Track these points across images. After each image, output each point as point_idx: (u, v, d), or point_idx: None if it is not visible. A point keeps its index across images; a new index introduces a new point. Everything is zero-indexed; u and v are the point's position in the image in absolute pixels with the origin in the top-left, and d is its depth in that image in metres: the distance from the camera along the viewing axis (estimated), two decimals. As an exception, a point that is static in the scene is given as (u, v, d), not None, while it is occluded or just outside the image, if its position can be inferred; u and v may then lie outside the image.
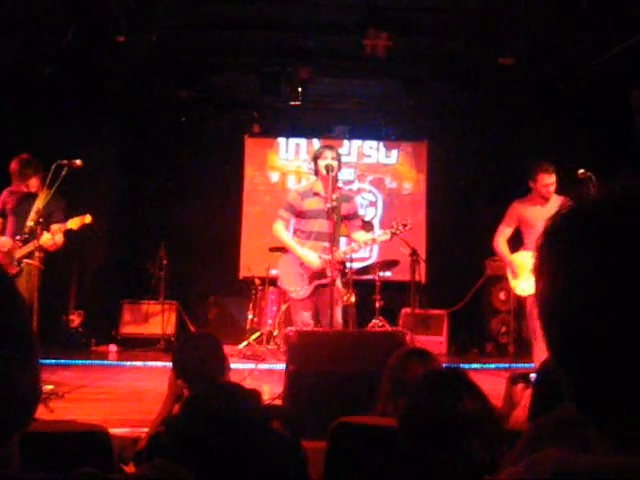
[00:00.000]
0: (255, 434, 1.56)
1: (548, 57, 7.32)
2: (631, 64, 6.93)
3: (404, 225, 5.27)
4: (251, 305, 8.20)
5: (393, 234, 5.28)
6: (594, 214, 0.71)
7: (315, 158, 5.33)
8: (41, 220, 5.15)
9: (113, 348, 8.06)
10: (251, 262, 8.73)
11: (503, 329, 8.26)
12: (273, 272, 7.22)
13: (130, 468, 2.41)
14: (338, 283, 5.29)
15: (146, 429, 3.07)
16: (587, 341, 0.69)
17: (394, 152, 9.65)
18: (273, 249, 6.83)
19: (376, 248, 9.13)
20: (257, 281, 8.22)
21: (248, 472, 1.50)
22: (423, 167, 9.57)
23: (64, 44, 6.38)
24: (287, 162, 9.59)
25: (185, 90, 8.32)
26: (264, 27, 7.29)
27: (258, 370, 6.66)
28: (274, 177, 9.60)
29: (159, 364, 6.95)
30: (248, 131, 9.43)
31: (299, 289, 5.24)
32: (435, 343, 7.88)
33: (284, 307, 7.54)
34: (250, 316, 8.14)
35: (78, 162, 5.15)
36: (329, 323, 4.91)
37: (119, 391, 5.69)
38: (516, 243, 6.04)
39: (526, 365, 6.61)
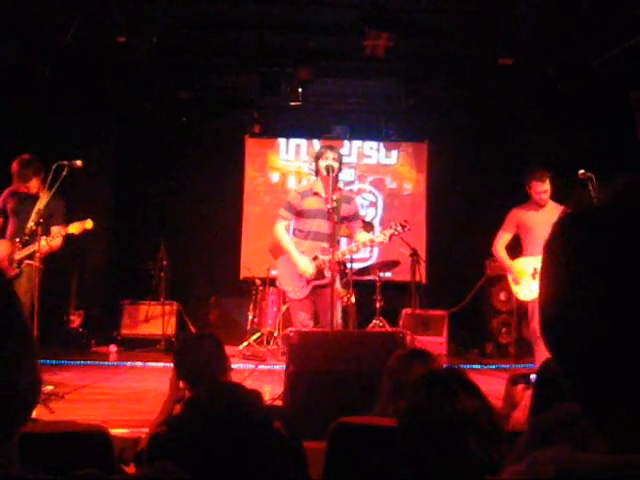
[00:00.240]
0: (256, 434, 1.56)
1: (547, 57, 7.32)
2: (631, 64, 6.93)
3: (403, 226, 5.24)
4: (251, 306, 8.20)
5: (392, 235, 5.27)
6: (594, 220, 0.73)
7: (316, 158, 5.33)
8: (41, 221, 5.15)
9: (113, 349, 8.06)
10: (251, 263, 8.73)
11: (503, 329, 8.27)
12: (273, 273, 7.22)
13: (130, 469, 2.41)
14: (337, 284, 5.28)
15: (146, 429, 3.07)
16: (587, 341, 0.69)
17: (394, 152, 9.65)
18: (273, 251, 6.83)
19: (376, 249, 9.13)
20: (257, 282, 8.23)
21: (249, 472, 1.50)
22: (423, 167, 9.57)
23: (64, 44, 6.38)
24: (287, 162, 9.59)
25: (185, 90, 8.32)
26: (264, 27, 7.29)
27: (258, 371, 6.66)
28: (274, 178, 9.61)
29: (159, 365, 6.95)
30: (248, 131, 9.44)
31: (297, 289, 5.23)
32: (435, 343, 7.88)
33: (284, 308, 7.54)
34: (250, 317, 8.14)
35: (78, 162, 5.15)
36: (329, 324, 4.91)
37: (119, 392, 5.69)
38: (515, 249, 6.05)
39: (526, 365, 6.62)
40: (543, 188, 5.75)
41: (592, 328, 0.68)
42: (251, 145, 9.56)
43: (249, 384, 4.38)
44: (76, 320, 8.35)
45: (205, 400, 1.64)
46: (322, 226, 5.20)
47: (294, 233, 5.47)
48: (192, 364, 2.79)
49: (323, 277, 5.15)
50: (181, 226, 9.19)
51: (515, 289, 5.96)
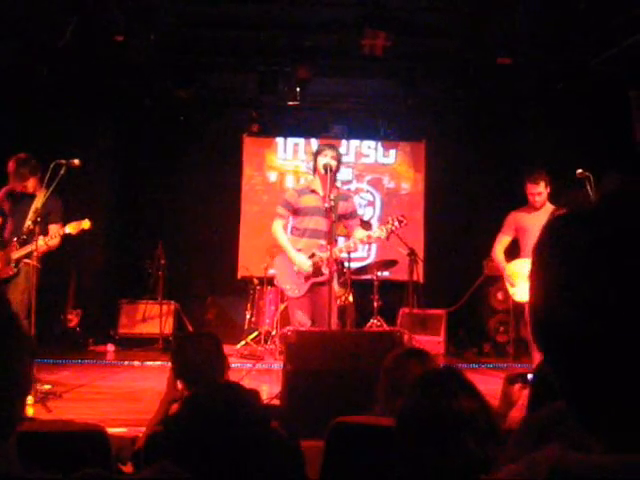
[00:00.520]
0: (254, 434, 1.56)
1: (546, 57, 7.32)
2: (630, 64, 6.93)
3: (400, 221, 5.21)
4: (249, 305, 8.20)
5: (389, 231, 5.26)
6: (582, 222, 0.73)
7: (315, 155, 5.33)
8: (39, 220, 5.15)
9: (111, 348, 8.06)
10: (249, 262, 8.73)
11: (501, 329, 8.28)
12: (271, 272, 7.22)
13: (128, 468, 2.41)
14: (334, 283, 5.28)
15: (144, 429, 3.07)
16: (576, 342, 0.70)
17: (392, 152, 9.65)
18: (271, 250, 6.83)
19: (374, 248, 9.14)
20: (255, 281, 8.23)
21: (246, 471, 1.50)
22: (421, 167, 9.57)
23: (62, 43, 6.37)
24: (285, 162, 9.59)
25: (183, 89, 8.31)
26: (262, 27, 7.28)
27: (256, 370, 6.66)
28: (272, 177, 9.61)
29: (157, 364, 6.95)
30: (246, 131, 9.43)
31: (295, 287, 5.23)
32: (433, 343, 7.89)
33: (282, 307, 7.54)
34: (248, 316, 8.15)
35: (76, 161, 5.15)
36: (326, 322, 4.91)
37: (117, 391, 5.69)
38: (514, 252, 6.06)
39: (524, 365, 6.63)
40: (537, 190, 5.73)
41: (581, 329, 0.69)
42: (249, 144, 9.56)
43: (247, 383, 4.39)
44: (74, 319, 8.35)
45: (202, 399, 1.64)
46: (319, 224, 5.20)
47: (291, 231, 5.47)
48: (190, 363, 2.80)
49: (321, 274, 5.15)
50: (179, 225, 9.19)
51: (511, 290, 5.97)
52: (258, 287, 8.17)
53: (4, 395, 0.94)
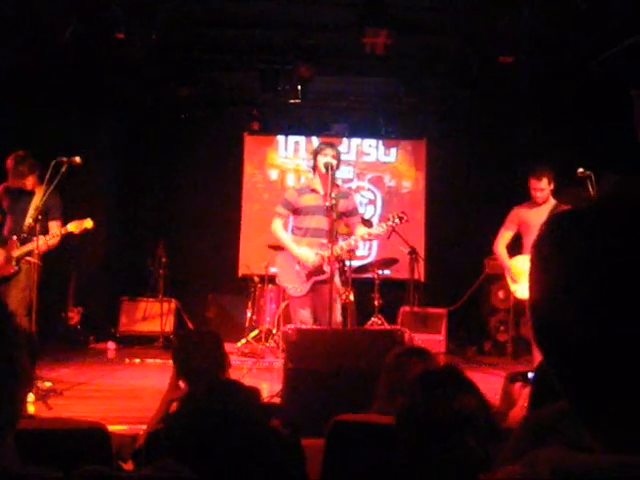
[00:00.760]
0: (255, 432, 1.56)
1: (548, 56, 7.31)
2: (630, 63, 6.92)
3: (400, 217, 5.20)
4: (250, 303, 8.19)
5: (390, 227, 5.25)
6: (581, 221, 0.73)
7: (315, 154, 5.33)
8: (40, 217, 5.15)
9: (112, 346, 8.06)
10: (250, 260, 8.73)
11: (502, 327, 8.27)
12: (272, 270, 7.22)
13: (128, 466, 2.41)
14: (337, 281, 5.28)
15: (144, 427, 3.07)
16: (575, 342, 0.70)
17: (393, 150, 9.65)
18: (272, 247, 6.83)
19: (375, 246, 9.14)
20: (256, 279, 8.22)
21: (247, 470, 1.50)
22: (422, 165, 9.57)
23: (63, 41, 6.37)
24: (286, 160, 9.59)
25: (185, 88, 8.31)
26: (264, 25, 7.28)
27: (257, 368, 6.66)
28: (273, 175, 9.61)
29: (157, 362, 6.95)
30: (247, 129, 9.43)
31: (297, 286, 5.23)
32: (434, 341, 7.89)
33: (283, 305, 7.54)
34: (249, 314, 8.14)
35: (77, 159, 5.14)
36: (328, 321, 4.91)
37: (117, 389, 5.69)
38: (516, 247, 6.05)
39: (524, 364, 6.62)
40: (539, 185, 5.72)
41: (580, 328, 0.69)
42: (250, 142, 9.56)
43: (247, 381, 4.40)
44: (74, 317, 8.35)
45: (203, 397, 1.64)
46: (320, 223, 5.20)
47: (292, 231, 5.47)
48: (191, 361, 2.80)
49: (322, 272, 5.15)
50: (180, 223, 9.19)
51: (513, 287, 5.97)
52: (259, 285, 8.17)
53: (3, 393, 0.94)
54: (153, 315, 8.44)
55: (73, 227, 5.39)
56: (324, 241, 5.16)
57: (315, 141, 9.14)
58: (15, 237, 5.43)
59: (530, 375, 2.45)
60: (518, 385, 2.62)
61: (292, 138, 9.60)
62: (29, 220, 5.23)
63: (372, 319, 7.55)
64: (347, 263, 6.60)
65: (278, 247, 5.67)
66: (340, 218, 5.29)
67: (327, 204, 5.07)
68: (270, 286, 8.00)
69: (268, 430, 1.67)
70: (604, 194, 0.74)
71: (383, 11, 6.58)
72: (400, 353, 2.54)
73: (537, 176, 5.74)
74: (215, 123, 9.36)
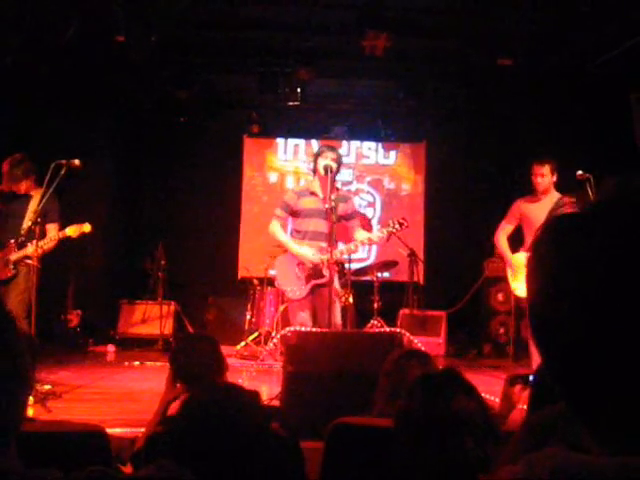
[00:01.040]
0: (254, 435, 1.56)
1: (547, 58, 7.32)
2: (630, 66, 6.93)
3: (401, 223, 5.20)
4: (249, 306, 8.19)
5: (390, 233, 5.25)
6: (580, 222, 0.73)
7: (315, 156, 5.33)
8: (39, 220, 5.14)
9: (111, 348, 8.05)
10: (249, 263, 8.73)
11: (501, 330, 8.27)
12: (271, 273, 7.22)
13: (128, 468, 2.41)
14: (336, 283, 5.27)
15: (143, 429, 3.07)
16: (573, 342, 0.70)
17: (392, 153, 9.66)
18: (272, 256, 6.82)
19: (374, 249, 9.14)
20: (255, 282, 8.22)
21: (246, 472, 1.50)
22: (421, 168, 9.58)
23: (63, 43, 6.37)
24: (286, 162, 9.60)
25: (184, 90, 8.32)
26: (263, 27, 7.29)
27: (256, 370, 6.65)
28: (273, 177, 9.61)
29: (157, 364, 6.94)
30: (247, 131, 9.44)
31: (296, 289, 5.23)
32: (433, 344, 7.88)
33: (282, 308, 7.54)
34: (248, 317, 8.14)
35: (76, 162, 5.13)
36: (327, 324, 4.90)
37: (117, 391, 5.68)
38: (516, 242, 6.03)
39: (524, 366, 6.61)
40: (540, 171, 5.68)
41: (577, 329, 0.69)
42: (249, 145, 9.57)
43: (246, 384, 4.39)
44: (74, 319, 8.34)
45: (202, 400, 1.63)
46: (320, 226, 5.20)
47: (292, 234, 5.47)
48: (189, 365, 2.80)
49: (322, 276, 5.14)
50: (179, 226, 9.19)
51: (513, 284, 5.92)
52: (258, 288, 8.17)
53: (6, 397, 0.94)
54: (152, 318, 8.44)
55: (71, 231, 5.37)
56: (323, 244, 5.16)
57: (315, 144, 9.15)
58: (13, 240, 5.42)
59: (530, 377, 2.45)
60: (518, 387, 2.62)
61: (292, 141, 9.61)
62: (28, 223, 5.23)
63: (371, 322, 7.55)
64: (346, 266, 6.60)
65: (278, 254, 5.67)
66: (339, 221, 5.29)
67: (326, 207, 5.07)
68: (269, 289, 8.00)
69: (268, 433, 1.67)
70: (603, 197, 0.74)
71: (382, 14, 6.59)
72: (400, 356, 2.54)
73: (540, 162, 5.71)
74: (214, 126, 9.36)
